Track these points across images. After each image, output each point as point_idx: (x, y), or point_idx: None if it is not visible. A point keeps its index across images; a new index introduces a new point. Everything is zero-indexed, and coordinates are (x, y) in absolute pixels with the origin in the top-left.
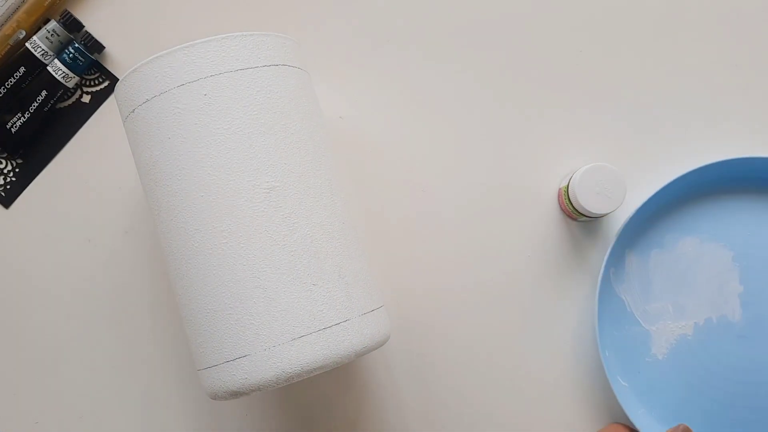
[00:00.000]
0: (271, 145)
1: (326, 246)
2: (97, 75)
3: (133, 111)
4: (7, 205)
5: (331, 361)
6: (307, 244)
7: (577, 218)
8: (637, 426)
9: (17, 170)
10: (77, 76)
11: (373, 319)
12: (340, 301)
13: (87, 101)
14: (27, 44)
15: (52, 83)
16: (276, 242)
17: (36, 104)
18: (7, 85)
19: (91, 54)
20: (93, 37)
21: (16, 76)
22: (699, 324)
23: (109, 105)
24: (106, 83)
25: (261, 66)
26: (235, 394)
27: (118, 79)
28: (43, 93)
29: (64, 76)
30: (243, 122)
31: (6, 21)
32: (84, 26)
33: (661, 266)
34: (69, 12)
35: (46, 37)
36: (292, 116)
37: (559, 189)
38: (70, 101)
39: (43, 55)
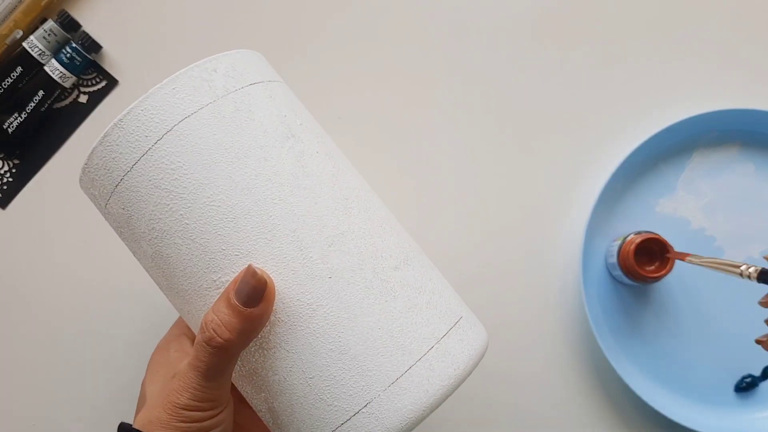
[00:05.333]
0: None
1: (410, 263)
2: (94, 75)
3: (118, 184)
4: (4, 206)
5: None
6: (391, 274)
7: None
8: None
9: (14, 170)
10: (74, 76)
11: (469, 322)
12: (442, 316)
13: (84, 101)
14: (24, 44)
15: (49, 83)
16: (370, 285)
17: (33, 104)
18: (4, 85)
19: (89, 54)
20: (90, 37)
21: (13, 76)
22: None
23: (106, 105)
24: (103, 83)
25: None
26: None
27: (115, 79)
28: (40, 93)
29: (61, 76)
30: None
31: (3, 20)
32: (81, 26)
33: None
34: (66, 12)
35: (44, 37)
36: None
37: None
38: (67, 101)
39: (40, 54)
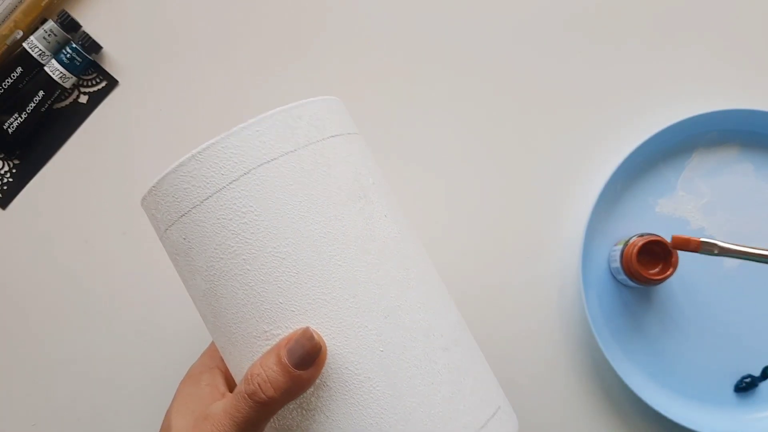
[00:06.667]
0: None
1: (460, 344)
2: (94, 75)
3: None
4: (4, 206)
5: None
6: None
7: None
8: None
9: (14, 171)
10: (74, 76)
11: (506, 413)
12: (482, 405)
13: (84, 101)
14: (24, 44)
15: (50, 83)
16: (419, 365)
17: (33, 104)
18: (4, 85)
19: (89, 54)
20: (90, 38)
21: (13, 76)
22: None
23: (106, 105)
24: (103, 83)
25: (281, 155)
26: None
27: (115, 80)
28: (41, 93)
29: (61, 77)
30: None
31: (3, 21)
32: (81, 26)
33: None
34: (66, 12)
35: (44, 38)
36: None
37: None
38: (67, 101)
39: (40, 55)
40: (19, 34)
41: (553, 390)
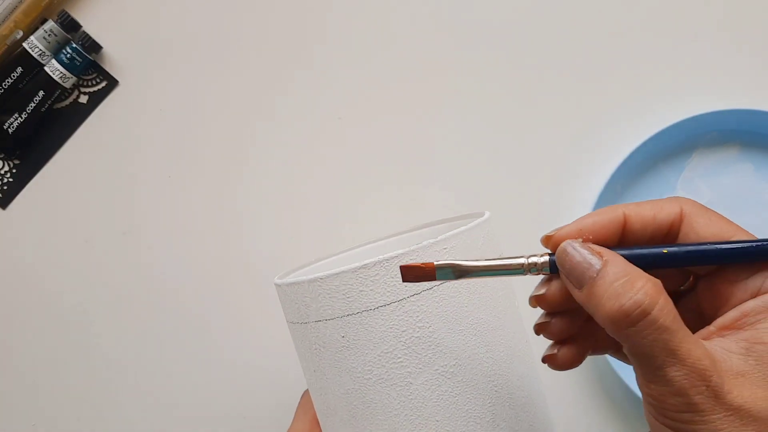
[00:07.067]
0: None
1: None
2: (94, 75)
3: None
4: (4, 206)
5: None
6: None
7: None
8: None
9: (14, 171)
10: (75, 76)
11: None
12: None
13: (84, 102)
14: (24, 44)
15: (50, 83)
16: None
17: (33, 104)
18: (4, 85)
19: (89, 54)
20: (90, 38)
21: (14, 76)
22: None
23: (106, 105)
24: (103, 83)
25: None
26: None
27: (115, 80)
28: (41, 93)
29: (61, 77)
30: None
31: (3, 21)
32: (81, 26)
33: None
34: (66, 12)
35: (44, 38)
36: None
37: None
38: (67, 101)
39: (40, 55)
40: (20, 34)
41: (552, 390)
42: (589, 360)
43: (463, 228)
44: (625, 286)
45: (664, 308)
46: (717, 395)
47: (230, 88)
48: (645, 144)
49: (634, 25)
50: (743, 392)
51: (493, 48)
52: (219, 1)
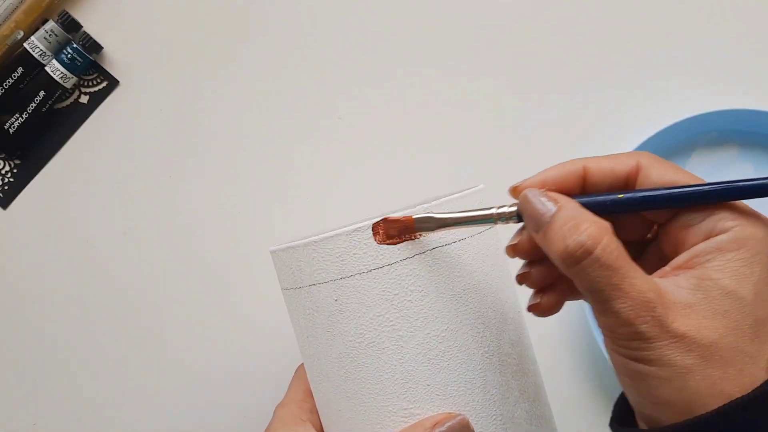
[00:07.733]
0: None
1: None
2: (95, 75)
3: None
4: (5, 206)
5: None
6: None
7: None
8: None
9: (15, 171)
10: (75, 76)
11: None
12: None
13: (85, 102)
14: (25, 44)
15: (50, 84)
16: None
17: (34, 105)
18: (5, 85)
19: (89, 54)
20: (91, 38)
21: (14, 76)
22: None
23: (107, 105)
24: (104, 84)
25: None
26: None
27: (116, 80)
28: (41, 93)
29: (62, 77)
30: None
31: (4, 21)
32: (82, 26)
33: None
34: (67, 12)
35: (44, 38)
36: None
37: None
38: (68, 102)
39: (41, 55)
40: (20, 34)
41: (552, 390)
42: (589, 359)
43: (457, 195)
44: (571, 228)
45: (607, 247)
46: (662, 324)
47: (230, 88)
48: (645, 144)
49: (633, 25)
50: (688, 321)
51: (492, 48)
52: (219, 2)
